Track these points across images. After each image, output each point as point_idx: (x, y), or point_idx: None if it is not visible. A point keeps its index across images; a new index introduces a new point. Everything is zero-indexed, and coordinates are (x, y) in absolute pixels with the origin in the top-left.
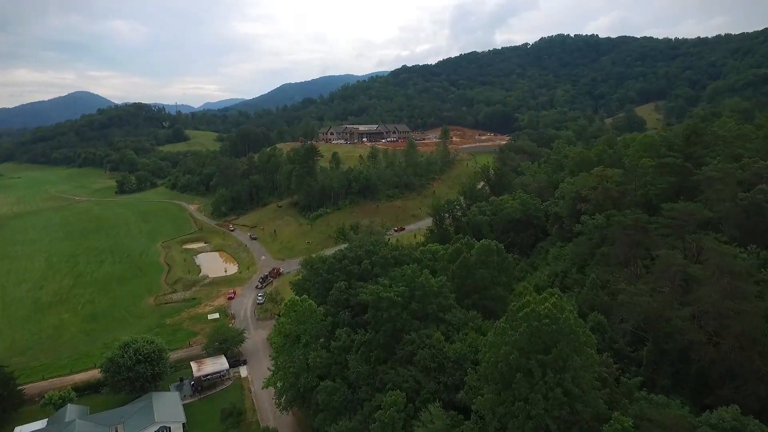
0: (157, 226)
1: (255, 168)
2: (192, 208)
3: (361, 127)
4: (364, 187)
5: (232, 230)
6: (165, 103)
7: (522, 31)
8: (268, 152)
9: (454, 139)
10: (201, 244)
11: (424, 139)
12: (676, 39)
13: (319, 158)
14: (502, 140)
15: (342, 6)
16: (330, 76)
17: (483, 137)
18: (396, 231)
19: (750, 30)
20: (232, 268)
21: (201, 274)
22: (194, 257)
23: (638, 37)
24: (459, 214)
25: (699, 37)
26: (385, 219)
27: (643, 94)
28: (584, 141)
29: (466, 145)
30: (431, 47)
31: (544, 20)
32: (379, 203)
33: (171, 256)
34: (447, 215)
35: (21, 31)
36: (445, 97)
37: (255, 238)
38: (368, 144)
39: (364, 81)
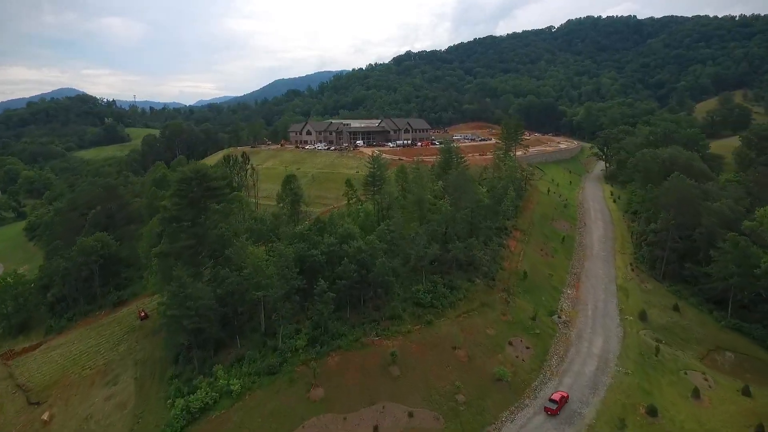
0: None
1: (124, 212)
2: None
3: (355, 123)
4: (358, 281)
5: None
6: (162, 101)
7: (523, 24)
8: (155, 176)
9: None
10: None
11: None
12: (743, 16)
13: (230, 202)
14: (559, 142)
15: (338, 3)
16: (325, 72)
17: (528, 138)
18: None
19: None
20: None
21: None
22: None
23: (690, 16)
24: None
25: None
26: (421, 412)
27: (716, 80)
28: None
29: (517, 153)
30: (431, 43)
31: (542, 13)
32: (397, 335)
33: None
34: None
35: (14, 27)
36: (461, 87)
37: None
38: (366, 151)
39: (361, 70)
